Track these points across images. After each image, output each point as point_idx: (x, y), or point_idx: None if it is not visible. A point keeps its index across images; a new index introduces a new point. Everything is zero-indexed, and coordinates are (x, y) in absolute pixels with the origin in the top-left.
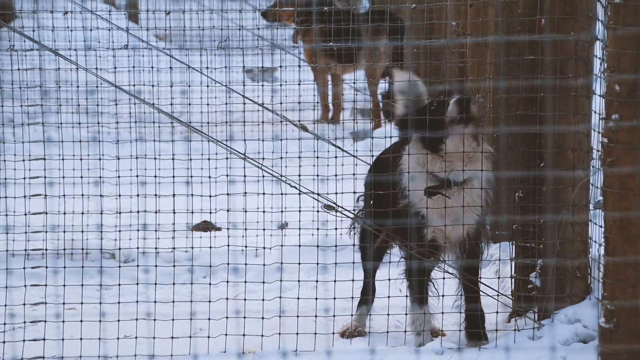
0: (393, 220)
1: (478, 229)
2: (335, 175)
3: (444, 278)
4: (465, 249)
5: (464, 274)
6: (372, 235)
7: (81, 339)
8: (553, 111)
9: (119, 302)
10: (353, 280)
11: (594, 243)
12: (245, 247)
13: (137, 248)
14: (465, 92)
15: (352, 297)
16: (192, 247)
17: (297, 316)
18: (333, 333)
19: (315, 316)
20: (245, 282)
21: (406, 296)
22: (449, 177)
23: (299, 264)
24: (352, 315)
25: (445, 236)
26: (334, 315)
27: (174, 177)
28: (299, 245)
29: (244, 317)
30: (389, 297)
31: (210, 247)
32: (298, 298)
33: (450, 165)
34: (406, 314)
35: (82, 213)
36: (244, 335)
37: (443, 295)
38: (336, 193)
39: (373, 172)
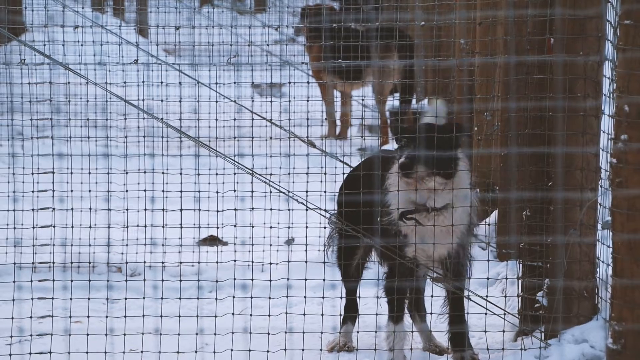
0: (377, 237)
1: (457, 250)
2: None
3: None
4: (448, 268)
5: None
6: (352, 252)
7: (87, 352)
8: (562, 131)
9: (125, 316)
10: (359, 297)
11: (601, 263)
12: (252, 262)
13: (144, 262)
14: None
15: (358, 314)
16: (199, 262)
17: (303, 332)
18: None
19: (322, 332)
20: (252, 297)
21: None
22: (426, 202)
23: (305, 279)
24: (339, 332)
25: (426, 255)
26: (339, 332)
27: (181, 191)
28: (306, 261)
29: (250, 333)
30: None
31: (217, 262)
32: (304, 314)
33: (428, 191)
34: (412, 332)
35: (90, 227)
36: (249, 350)
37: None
38: (343, 209)
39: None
